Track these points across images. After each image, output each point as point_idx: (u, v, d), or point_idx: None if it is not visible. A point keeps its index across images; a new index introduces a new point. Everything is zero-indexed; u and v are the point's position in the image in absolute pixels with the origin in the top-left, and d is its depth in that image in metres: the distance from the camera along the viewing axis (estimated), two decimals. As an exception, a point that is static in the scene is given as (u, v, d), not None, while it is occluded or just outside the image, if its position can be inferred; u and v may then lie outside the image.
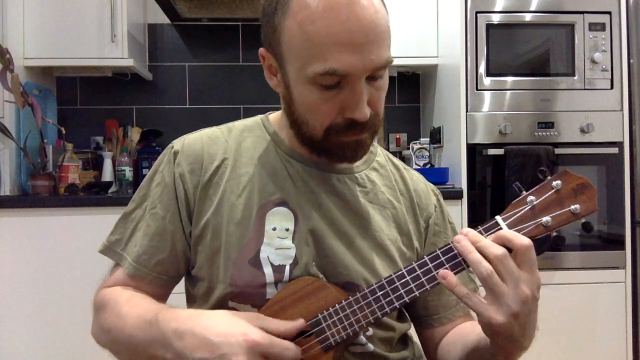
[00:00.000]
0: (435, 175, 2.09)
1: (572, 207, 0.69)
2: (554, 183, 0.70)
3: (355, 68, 0.67)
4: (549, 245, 1.93)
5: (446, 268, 0.68)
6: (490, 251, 0.64)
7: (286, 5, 0.70)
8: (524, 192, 0.72)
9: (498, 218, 0.70)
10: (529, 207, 0.70)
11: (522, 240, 0.64)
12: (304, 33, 0.68)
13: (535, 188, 0.71)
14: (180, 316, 0.69)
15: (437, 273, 0.68)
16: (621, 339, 2.01)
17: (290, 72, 0.73)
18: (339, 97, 0.70)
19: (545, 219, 0.69)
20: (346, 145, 0.75)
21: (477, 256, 0.64)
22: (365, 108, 0.71)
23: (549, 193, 0.70)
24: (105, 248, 0.85)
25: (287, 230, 0.78)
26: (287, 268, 0.77)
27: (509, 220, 0.70)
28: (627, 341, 2.01)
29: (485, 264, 0.63)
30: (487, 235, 0.68)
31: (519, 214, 0.70)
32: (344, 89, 0.70)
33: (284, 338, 0.68)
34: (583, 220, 0.70)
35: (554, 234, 0.70)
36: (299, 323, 0.70)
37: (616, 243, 2.02)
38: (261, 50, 0.78)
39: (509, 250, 0.65)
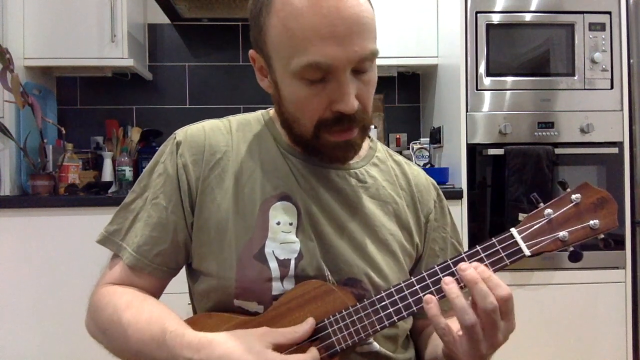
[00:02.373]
0: (435, 175, 2.09)
1: (592, 222, 0.67)
2: (574, 196, 0.68)
3: (338, 60, 0.68)
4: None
5: (457, 279, 0.67)
6: (487, 302, 0.62)
7: (270, 4, 0.71)
8: (542, 204, 0.69)
9: (513, 231, 0.69)
10: (546, 220, 0.68)
11: (503, 291, 0.63)
12: (288, 30, 0.69)
13: (553, 200, 0.69)
14: (192, 343, 0.67)
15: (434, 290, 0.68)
16: (621, 339, 2.01)
17: (277, 70, 0.74)
18: (325, 90, 0.71)
19: (563, 233, 0.67)
20: (336, 145, 0.75)
21: (463, 302, 0.63)
22: (352, 100, 0.71)
23: (568, 206, 0.68)
24: (104, 238, 0.83)
25: (290, 224, 0.79)
26: (292, 262, 0.77)
27: (525, 234, 0.68)
28: (627, 341, 2.01)
29: (471, 313, 0.63)
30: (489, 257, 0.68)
31: (535, 227, 0.68)
32: (329, 82, 0.70)
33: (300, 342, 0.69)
34: (602, 236, 0.68)
35: (571, 249, 0.68)
36: (309, 325, 0.70)
37: (616, 243, 2.02)
38: (251, 52, 0.79)
39: None
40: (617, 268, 2.02)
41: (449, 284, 0.65)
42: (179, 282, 0.87)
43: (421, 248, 0.88)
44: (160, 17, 2.56)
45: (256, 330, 0.69)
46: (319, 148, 0.77)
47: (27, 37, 2.19)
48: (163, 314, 0.74)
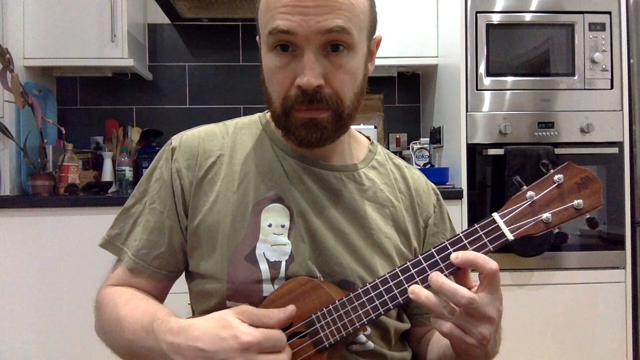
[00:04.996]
0: (435, 175, 2.10)
1: (575, 202, 0.66)
2: (556, 177, 0.67)
3: (299, 27, 0.70)
4: (549, 245, 1.93)
5: (440, 268, 0.67)
6: (456, 300, 0.62)
7: None
8: (525, 186, 0.69)
9: (495, 215, 0.68)
10: (529, 202, 0.67)
11: (490, 265, 0.63)
12: (265, 3, 0.74)
13: (535, 182, 0.68)
14: (174, 328, 0.68)
15: (422, 278, 0.67)
16: (621, 339, 2.01)
17: (261, 46, 0.77)
18: (291, 64, 0.72)
19: (546, 215, 0.66)
20: (303, 123, 0.74)
21: (434, 300, 0.63)
22: (311, 75, 0.70)
23: (550, 188, 0.67)
24: (106, 242, 0.86)
25: (282, 226, 0.79)
26: (283, 264, 0.77)
27: (507, 217, 0.67)
28: (627, 341, 2.01)
29: (452, 308, 0.63)
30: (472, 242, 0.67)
31: (517, 211, 0.67)
32: (296, 57, 0.72)
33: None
34: (588, 215, 0.67)
35: (556, 230, 0.67)
36: (289, 311, 0.69)
37: (616, 243, 2.02)
38: (257, 37, 0.81)
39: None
40: (617, 268, 2.02)
41: (414, 291, 0.65)
42: (179, 282, 0.88)
43: (419, 252, 0.87)
44: (160, 17, 2.56)
45: (234, 308, 0.69)
46: (289, 127, 0.76)
47: (27, 37, 2.19)
48: (157, 307, 0.76)
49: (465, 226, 1.99)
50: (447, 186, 2.08)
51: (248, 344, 0.63)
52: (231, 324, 0.65)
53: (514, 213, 0.67)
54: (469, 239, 0.67)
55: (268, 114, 0.89)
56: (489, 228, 0.67)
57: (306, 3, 0.69)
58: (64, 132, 2.23)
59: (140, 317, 0.74)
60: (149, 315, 0.73)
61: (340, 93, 0.74)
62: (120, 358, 0.81)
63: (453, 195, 1.99)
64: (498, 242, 0.67)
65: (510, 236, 0.67)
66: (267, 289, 0.76)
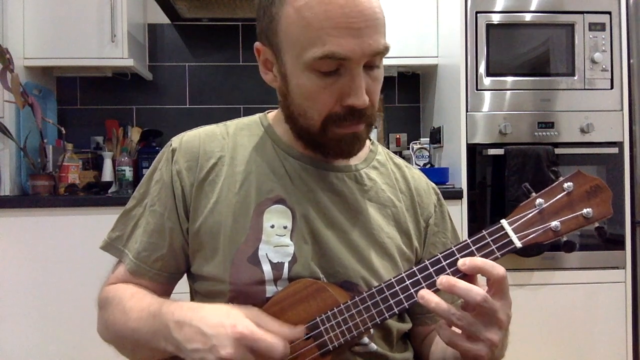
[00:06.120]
0: (435, 175, 2.09)
1: (585, 211, 0.65)
2: (566, 185, 0.66)
3: (353, 52, 0.68)
4: (547, 246, 1.93)
5: (447, 273, 0.66)
6: (470, 297, 0.62)
7: None
8: (533, 193, 0.68)
9: (504, 222, 0.68)
10: (537, 210, 0.67)
11: (498, 270, 0.63)
12: (303, 19, 0.69)
13: (544, 190, 0.68)
14: (183, 308, 0.70)
15: (433, 280, 0.67)
16: (621, 339, 2.01)
17: (287, 62, 0.74)
18: (337, 84, 0.71)
19: (555, 223, 0.66)
20: (343, 138, 0.75)
21: (444, 306, 0.63)
22: (364, 94, 0.71)
23: (560, 195, 0.66)
24: (106, 244, 0.86)
25: (285, 227, 0.78)
26: (286, 265, 0.77)
27: (515, 225, 0.67)
28: (627, 341, 2.01)
29: (461, 314, 0.62)
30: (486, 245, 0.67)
31: (526, 218, 0.67)
32: (342, 75, 0.71)
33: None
34: (597, 224, 0.66)
35: (564, 239, 0.67)
36: (297, 330, 0.69)
37: (616, 243, 2.02)
38: (257, 44, 0.79)
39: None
40: (617, 268, 2.02)
41: (424, 297, 0.64)
42: (180, 282, 0.88)
43: (420, 252, 0.87)
44: (160, 17, 2.56)
45: (247, 307, 0.70)
46: (324, 142, 0.76)
47: (27, 37, 2.19)
48: (165, 298, 0.77)
49: (466, 226, 1.99)
50: (447, 186, 2.08)
51: (241, 335, 0.64)
52: (234, 316, 0.67)
53: (522, 220, 0.67)
54: (476, 245, 0.67)
55: (269, 115, 0.89)
56: (497, 235, 0.67)
57: (358, 24, 0.68)
58: (64, 132, 2.23)
59: (147, 306, 0.74)
60: (157, 302, 0.74)
61: (374, 104, 0.76)
62: (123, 356, 0.81)
63: (453, 195, 1.99)
64: (506, 250, 0.67)
65: (518, 244, 0.66)
66: (270, 290, 0.76)
